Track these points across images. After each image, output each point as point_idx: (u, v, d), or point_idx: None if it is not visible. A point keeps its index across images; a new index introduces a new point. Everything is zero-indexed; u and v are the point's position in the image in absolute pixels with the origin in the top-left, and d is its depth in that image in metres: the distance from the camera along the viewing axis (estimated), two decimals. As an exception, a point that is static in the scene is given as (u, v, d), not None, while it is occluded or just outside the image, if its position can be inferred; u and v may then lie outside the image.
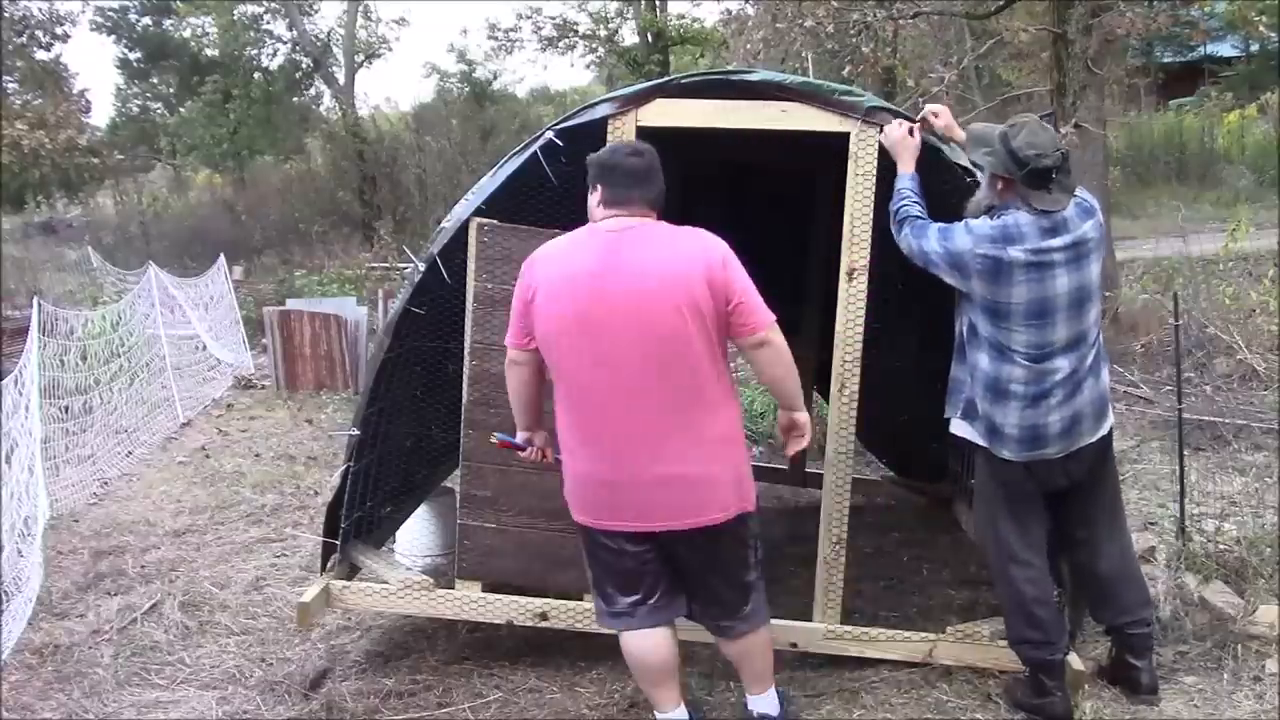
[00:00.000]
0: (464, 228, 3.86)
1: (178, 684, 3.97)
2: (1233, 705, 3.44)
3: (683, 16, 26.01)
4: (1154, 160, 19.55)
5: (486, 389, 3.85)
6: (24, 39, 21.63)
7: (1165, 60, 24.44)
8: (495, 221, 3.86)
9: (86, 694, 3.89)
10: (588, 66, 29.37)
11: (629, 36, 26.17)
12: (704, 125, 3.82)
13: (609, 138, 3.80)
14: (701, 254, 2.91)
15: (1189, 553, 4.24)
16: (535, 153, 3.80)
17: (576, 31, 26.14)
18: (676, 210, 5.38)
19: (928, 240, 3.37)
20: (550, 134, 3.81)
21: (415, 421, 4.75)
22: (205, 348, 10.43)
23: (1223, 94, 21.77)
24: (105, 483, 6.80)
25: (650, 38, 24.91)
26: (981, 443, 3.39)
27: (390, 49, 31.55)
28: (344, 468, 4.06)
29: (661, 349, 2.86)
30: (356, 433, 4.04)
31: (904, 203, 3.50)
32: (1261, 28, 13.47)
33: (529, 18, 26.02)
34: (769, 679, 3.29)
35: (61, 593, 4.85)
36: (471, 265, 3.86)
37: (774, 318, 2.95)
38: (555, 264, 2.99)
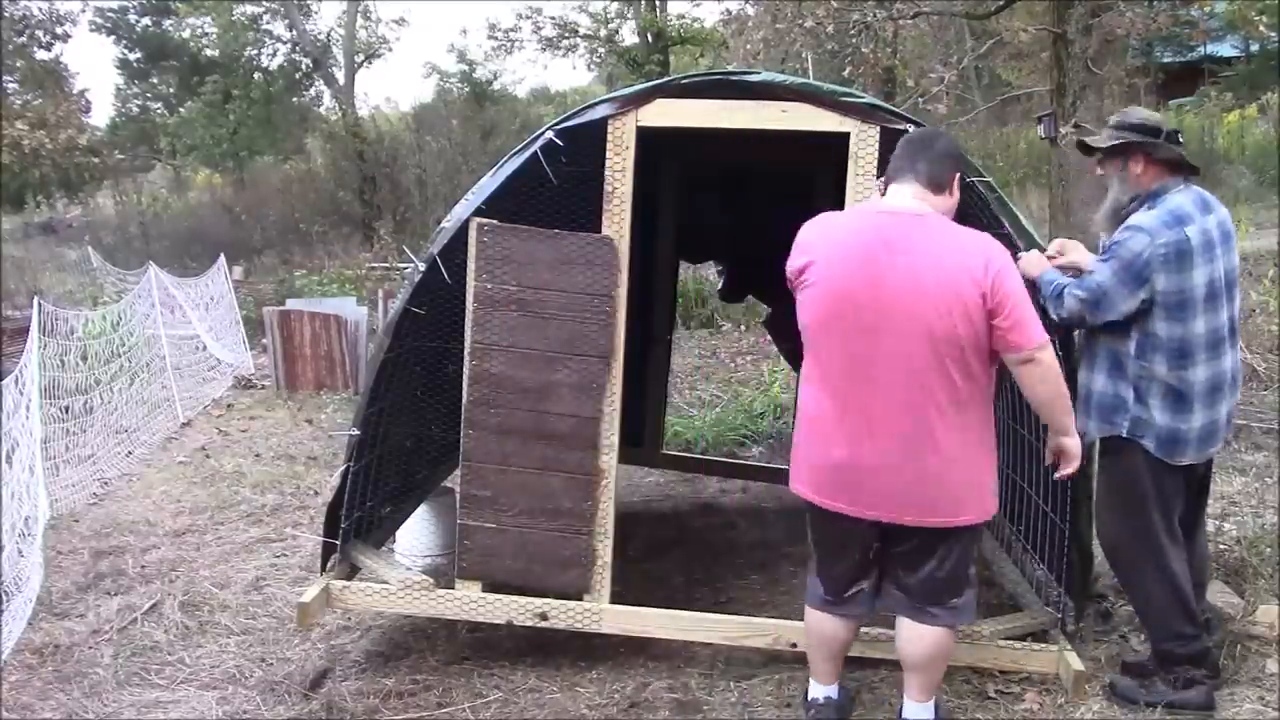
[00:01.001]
0: (464, 228, 3.85)
1: (178, 684, 3.97)
2: (1233, 705, 3.44)
3: (683, 16, 26.00)
4: (1154, 160, 19.49)
5: (486, 389, 3.85)
6: (24, 39, 21.63)
7: (1165, 60, 24.42)
8: (495, 221, 3.86)
9: (86, 694, 3.89)
10: (588, 67, 29.40)
11: (629, 37, 26.19)
12: (704, 125, 3.82)
13: (609, 138, 3.80)
14: (984, 259, 2.84)
15: (1189, 553, 4.24)
16: (535, 153, 3.80)
17: (576, 32, 26.15)
18: (676, 210, 5.43)
19: (1091, 280, 3.22)
20: (550, 134, 3.81)
21: (415, 421, 4.75)
22: (205, 348, 10.43)
23: (1223, 94, 21.75)
24: (105, 483, 6.80)
25: (650, 38, 24.91)
26: (1155, 454, 3.27)
27: (390, 49, 31.56)
28: (344, 468, 4.06)
29: (929, 347, 2.83)
30: (356, 433, 4.04)
31: (1049, 285, 3.37)
32: (1261, 28, 13.48)
33: (529, 18, 26.03)
34: (934, 690, 3.24)
35: (61, 593, 4.85)
36: (471, 265, 3.85)
37: (1047, 338, 2.90)
38: (834, 241, 2.95)
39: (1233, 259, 3.27)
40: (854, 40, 9.96)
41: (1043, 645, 3.70)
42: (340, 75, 25.17)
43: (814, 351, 3.01)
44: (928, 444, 2.87)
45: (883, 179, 3.07)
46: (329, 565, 4.12)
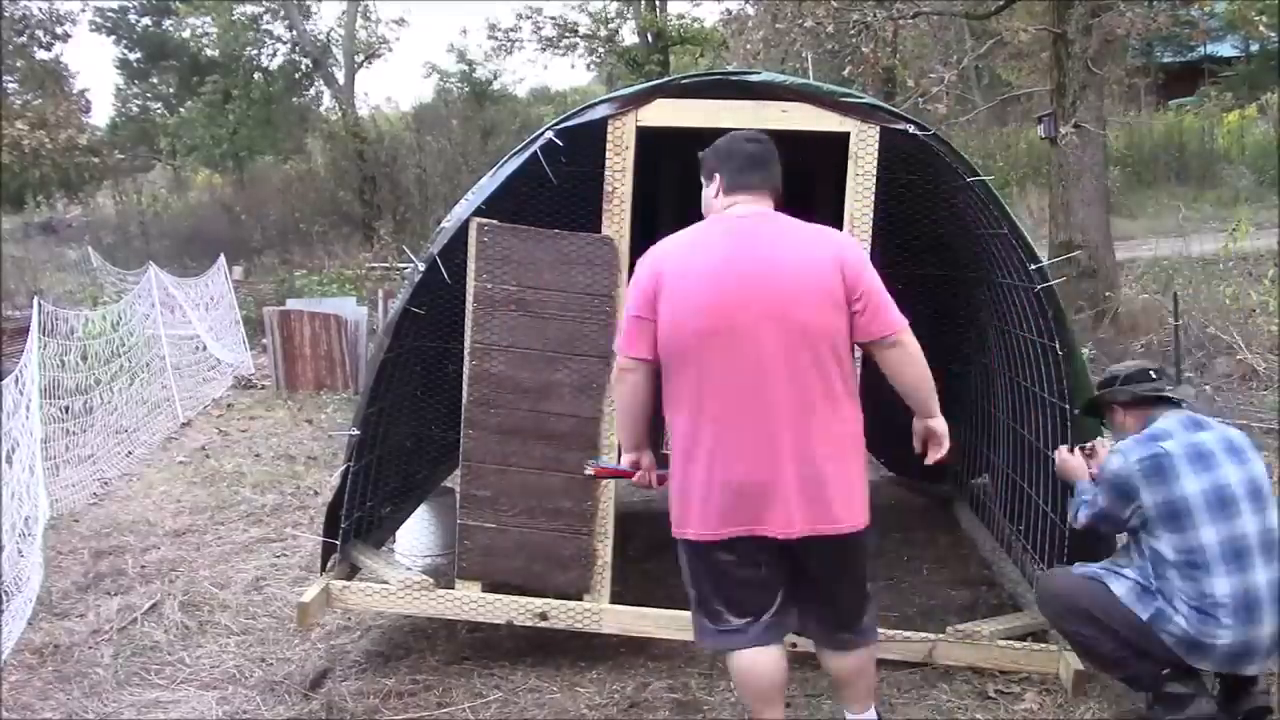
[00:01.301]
0: (464, 228, 3.85)
1: (178, 684, 3.97)
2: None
3: (683, 16, 26.03)
4: (1154, 160, 19.55)
5: (486, 389, 3.85)
6: (24, 39, 21.64)
7: (1165, 60, 24.44)
8: (495, 221, 3.86)
9: (86, 694, 3.89)
10: (588, 67, 29.40)
11: (629, 37, 26.19)
12: (704, 125, 3.82)
13: (609, 138, 3.80)
14: (837, 250, 2.81)
15: (1189, 553, 4.23)
16: (535, 152, 3.79)
17: (576, 32, 26.15)
18: (676, 211, 5.43)
19: (1094, 501, 3.31)
20: (550, 134, 3.81)
21: (415, 421, 4.75)
22: (205, 348, 10.43)
23: (1222, 94, 21.77)
24: (105, 483, 6.80)
25: (650, 38, 24.92)
26: (1174, 651, 3.13)
27: (390, 49, 31.58)
28: (344, 468, 4.06)
29: (805, 344, 2.74)
30: (356, 433, 4.03)
31: (1079, 496, 3.43)
32: (1261, 28, 13.48)
33: (529, 18, 26.04)
34: (871, 696, 3.10)
35: (61, 593, 4.85)
36: (471, 265, 3.85)
37: (905, 321, 2.81)
38: (683, 258, 2.82)
39: (1252, 468, 3.16)
40: (854, 40, 9.95)
41: (1043, 645, 3.71)
42: (340, 75, 25.18)
43: (681, 375, 2.80)
44: (819, 445, 2.75)
45: (714, 188, 2.95)
46: (329, 565, 4.12)
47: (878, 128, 3.72)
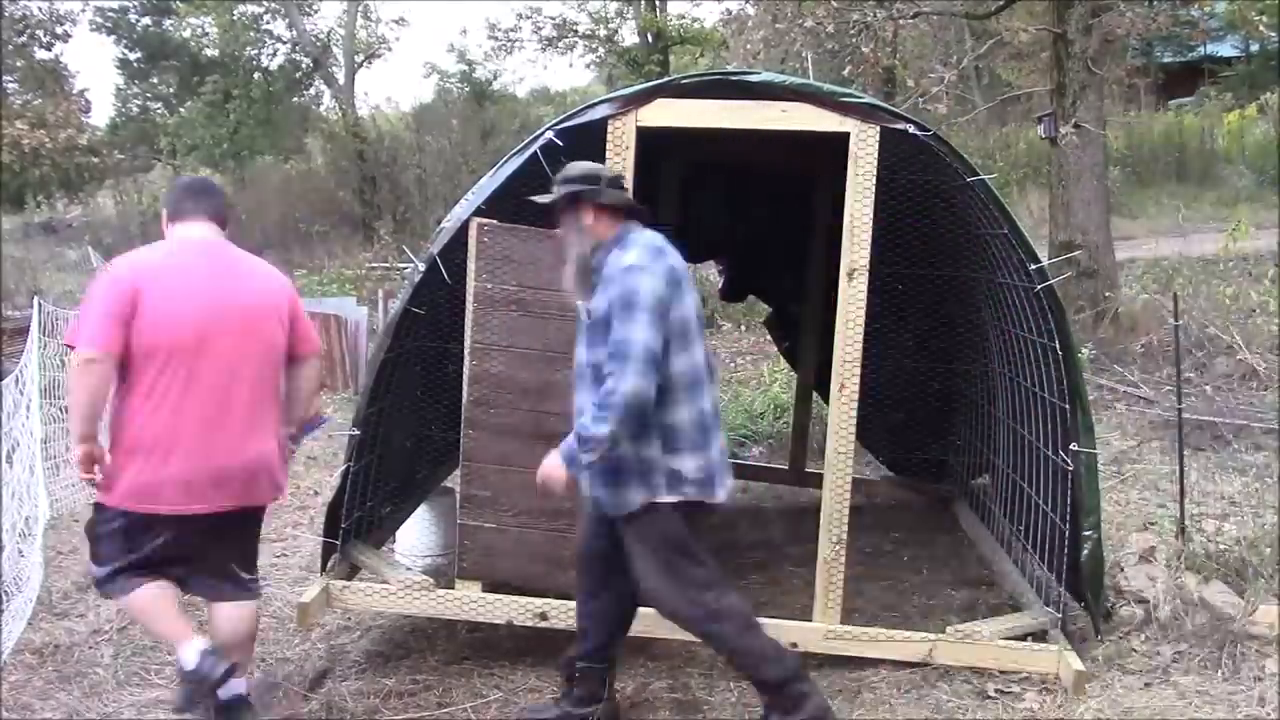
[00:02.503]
0: (464, 228, 3.85)
1: (178, 684, 3.96)
2: (1232, 705, 3.43)
3: (683, 16, 25.99)
4: (1154, 160, 19.53)
5: (486, 389, 3.85)
6: (24, 39, 21.63)
7: (1165, 60, 24.41)
8: (495, 221, 3.85)
9: (86, 694, 3.88)
10: (588, 66, 29.36)
11: (629, 36, 26.15)
12: (705, 125, 3.82)
13: (609, 138, 3.80)
14: (279, 278, 3.44)
15: (1189, 553, 4.25)
16: (535, 153, 3.79)
17: (576, 31, 26.12)
18: (675, 211, 5.44)
19: (631, 351, 2.92)
20: (550, 134, 3.81)
21: (415, 421, 4.75)
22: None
23: (1222, 94, 21.75)
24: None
25: (650, 38, 24.88)
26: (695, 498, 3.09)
27: (390, 49, 31.50)
28: (344, 467, 4.06)
29: (266, 355, 3.30)
30: (356, 433, 4.04)
31: (579, 424, 3.10)
32: (1261, 28, 13.47)
33: (529, 18, 26.01)
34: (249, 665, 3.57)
35: (61, 593, 4.85)
36: (472, 265, 3.85)
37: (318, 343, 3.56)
38: (164, 270, 3.23)
39: (696, 298, 3.15)
40: (854, 40, 9.95)
41: (1043, 645, 3.71)
42: (340, 75, 25.16)
43: (167, 373, 3.15)
44: (266, 436, 3.31)
45: (167, 217, 3.41)
46: (329, 565, 4.12)
47: (878, 128, 3.72)
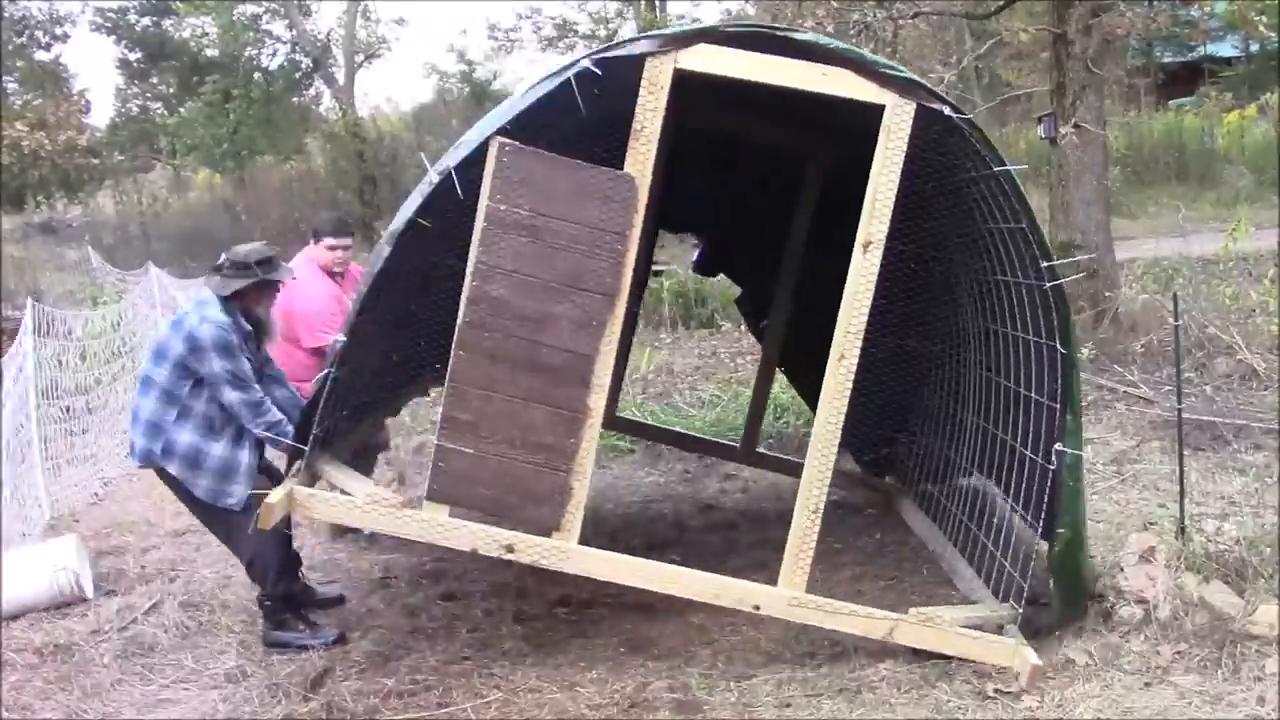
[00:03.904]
0: (484, 145, 3.69)
1: (178, 684, 3.97)
2: (1231, 705, 3.43)
3: (682, 17, 26.01)
4: (1154, 160, 19.52)
5: (483, 311, 3.73)
6: (24, 39, 21.64)
7: (1165, 60, 24.43)
8: (518, 143, 3.70)
9: (86, 694, 3.89)
10: (588, 66, 29.39)
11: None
12: (744, 77, 3.71)
13: (645, 76, 3.67)
14: None
15: (1189, 553, 4.24)
16: (569, 79, 3.64)
17: (576, 32, 26.17)
18: (657, 179, 5.39)
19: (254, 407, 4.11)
20: (588, 62, 3.66)
21: (402, 336, 4.60)
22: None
23: (1222, 94, 21.73)
24: (106, 482, 6.79)
25: (650, 38, 24.88)
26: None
27: (390, 49, 31.57)
28: (325, 373, 3.87)
29: None
30: (342, 338, 3.86)
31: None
32: (1261, 28, 13.49)
33: (529, 18, 26.08)
34: None
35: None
36: (486, 184, 3.70)
37: None
38: None
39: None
40: (854, 40, 9.93)
41: (998, 638, 3.78)
42: (340, 75, 25.18)
43: None
44: None
45: None
46: (293, 469, 4.04)
47: (914, 104, 3.66)
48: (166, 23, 27.03)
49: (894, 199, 3.71)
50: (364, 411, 4.78)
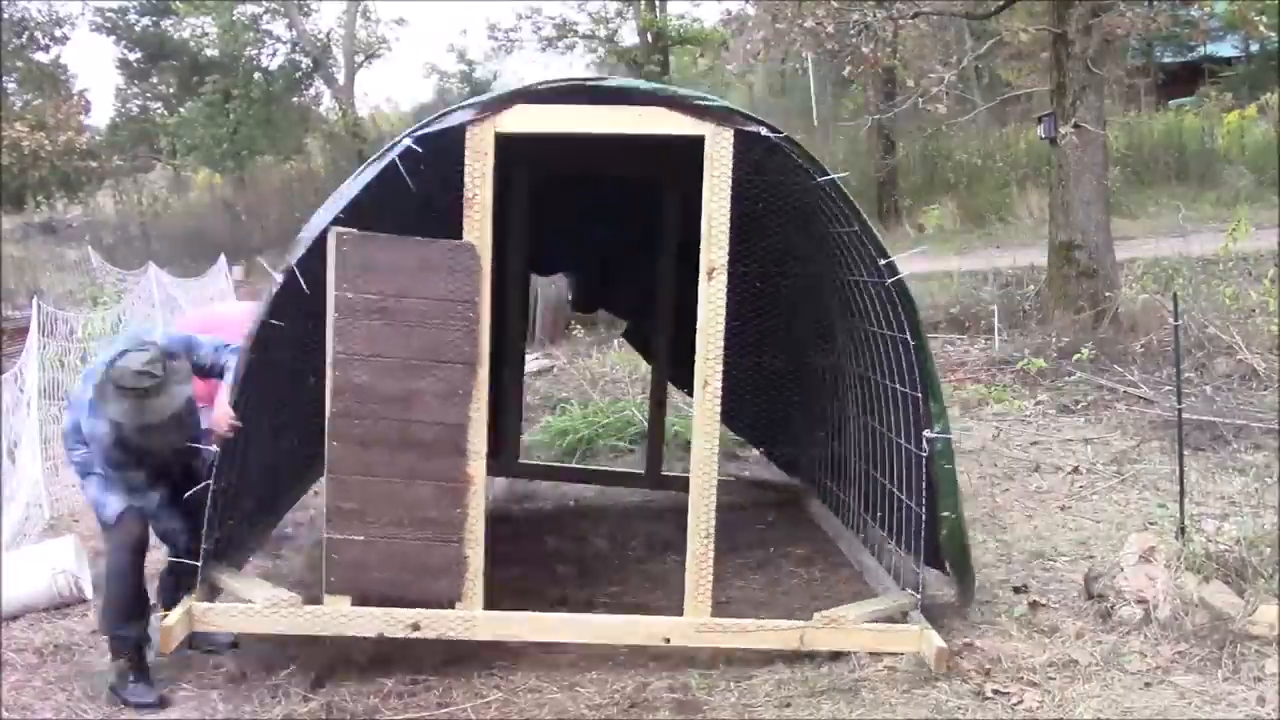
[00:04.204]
0: (322, 237, 3.76)
1: (178, 684, 3.97)
2: (1231, 706, 3.43)
3: (683, 17, 25.98)
4: (1154, 160, 19.51)
5: (349, 400, 3.78)
6: (24, 40, 21.64)
7: (1165, 60, 24.42)
8: (355, 230, 3.77)
9: (87, 694, 3.89)
10: (587, 67, 29.33)
11: (629, 36, 26.16)
12: (562, 130, 3.82)
13: (468, 144, 3.75)
14: None
15: (1189, 553, 4.24)
16: (394, 161, 3.72)
17: (576, 31, 26.14)
18: (526, 221, 5.43)
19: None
20: (409, 141, 3.73)
21: (275, 438, 4.55)
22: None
23: (1222, 94, 21.72)
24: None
25: (650, 38, 24.88)
26: None
27: (390, 49, 31.51)
28: (204, 484, 3.82)
29: None
30: (215, 449, 3.82)
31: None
32: (1261, 28, 13.49)
33: (529, 18, 26.04)
34: None
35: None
36: (331, 275, 3.76)
37: None
38: None
39: None
40: (854, 40, 9.93)
41: (904, 626, 3.86)
42: (340, 75, 25.19)
43: None
44: None
45: None
46: (190, 587, 3.97)
47: (732, 130, 3.76)
48: (166, 23, 27.03)
49: (728, 223, 3.80)
50: (262, 512, 4.72)
